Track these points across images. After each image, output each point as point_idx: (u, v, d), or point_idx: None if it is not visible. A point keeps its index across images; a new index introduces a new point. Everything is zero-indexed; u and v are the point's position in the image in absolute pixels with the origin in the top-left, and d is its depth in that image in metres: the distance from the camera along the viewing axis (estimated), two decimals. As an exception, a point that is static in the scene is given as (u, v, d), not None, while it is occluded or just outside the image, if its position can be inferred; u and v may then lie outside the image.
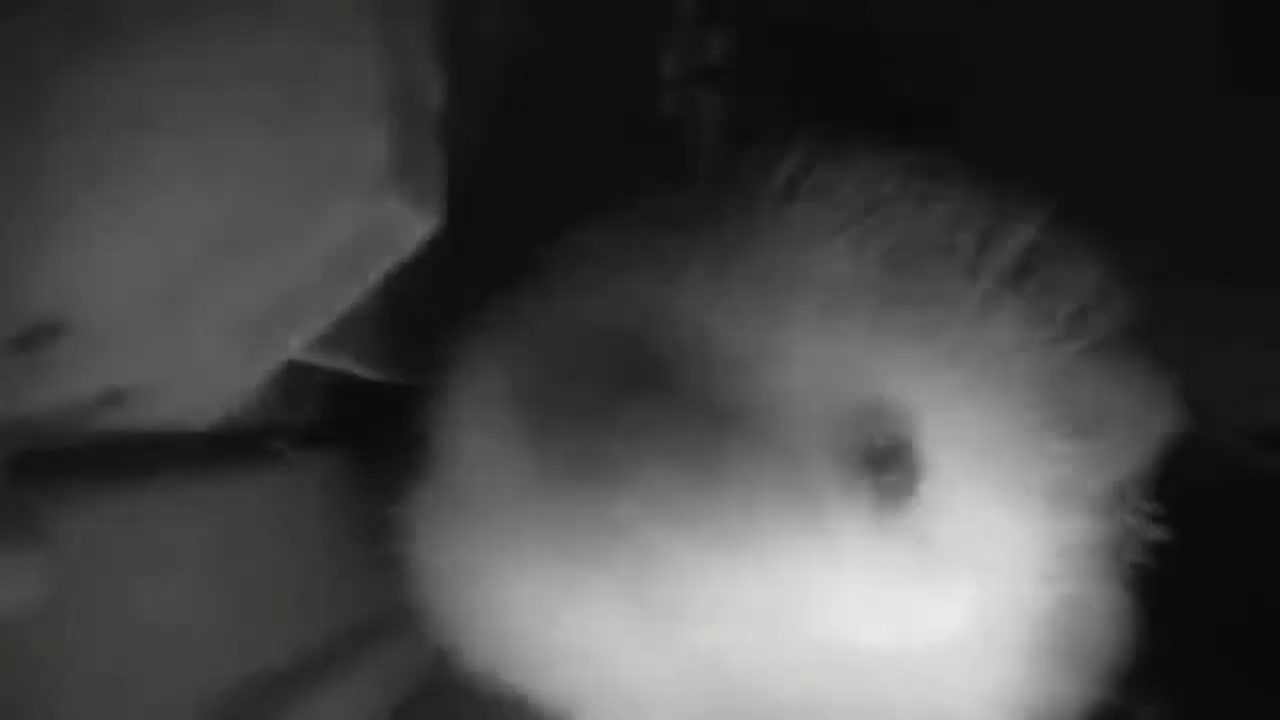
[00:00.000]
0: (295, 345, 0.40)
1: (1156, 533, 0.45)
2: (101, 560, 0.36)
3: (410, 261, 0.38)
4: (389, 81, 0.35)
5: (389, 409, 0.48)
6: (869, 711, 0.39)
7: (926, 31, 0.61)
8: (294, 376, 0.43)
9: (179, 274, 0.34)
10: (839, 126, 0.42)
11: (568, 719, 0.43)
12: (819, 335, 0.38)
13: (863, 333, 0.38)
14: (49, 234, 0.31)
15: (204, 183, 0.33)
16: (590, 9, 0.58)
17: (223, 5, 0.32)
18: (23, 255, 0.31)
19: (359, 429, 0.50)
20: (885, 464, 0.37)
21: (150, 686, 0.38)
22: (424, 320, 0.48)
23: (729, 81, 0.65)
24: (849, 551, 0.37)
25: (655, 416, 0.37)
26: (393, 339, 0.47)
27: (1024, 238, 0.41)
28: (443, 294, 0.48)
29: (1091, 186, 0.45)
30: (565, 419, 0.39)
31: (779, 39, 0.65)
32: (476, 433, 0.43)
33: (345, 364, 0.44)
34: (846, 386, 0.38)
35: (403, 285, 0.40)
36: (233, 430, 0.43)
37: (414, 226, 0.36)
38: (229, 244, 0.34)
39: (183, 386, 0.38)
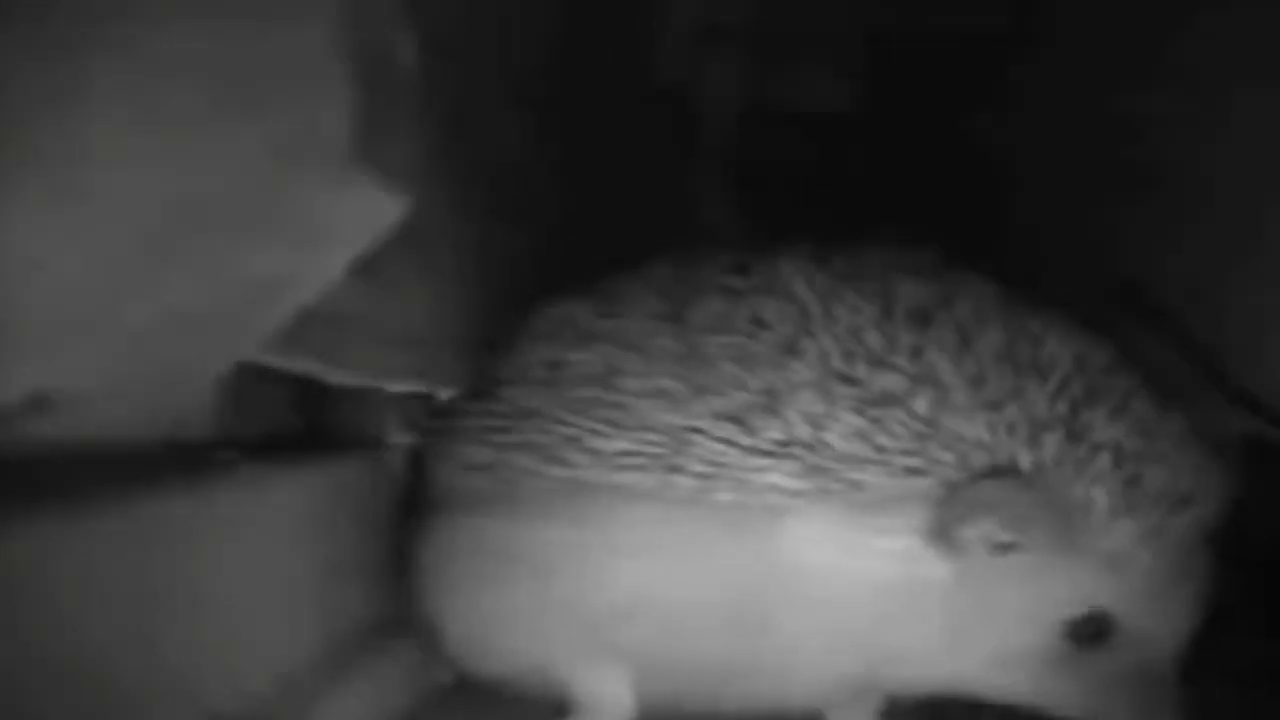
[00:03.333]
0: (250, 345, 0.39)
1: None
2: (33, 588, 0.33)
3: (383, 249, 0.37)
4: (353, 42, 0.34)
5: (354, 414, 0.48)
6: None
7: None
8: (249, 381, 0.42)
9: (115, 264, 0.32)
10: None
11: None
12: None
13: None
14: (-34, 219, 0.30)
15: (143, 161, 0.31)
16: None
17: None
18: (-65, 244, 0.30)
19: (323, 437, 0.50)
20: None
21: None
22: (401, 321, 0.48)
23: (743, 44, 0.65)
24: None
25: None
26: (362, 339, 0.46)
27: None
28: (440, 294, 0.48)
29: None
30: None
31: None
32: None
33: (307, 367, 0.43)
34: None
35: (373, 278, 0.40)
36: (181, 442, 0.41)
37: (383, 207, 0.36)
38: (173, 230, 0.33)
39: (121, 392, 0.36)
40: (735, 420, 0.43)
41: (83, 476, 0.36)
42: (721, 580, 0.44)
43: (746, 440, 0.43)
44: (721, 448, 0.43)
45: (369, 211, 0.35)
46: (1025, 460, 0.42)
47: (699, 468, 0.43)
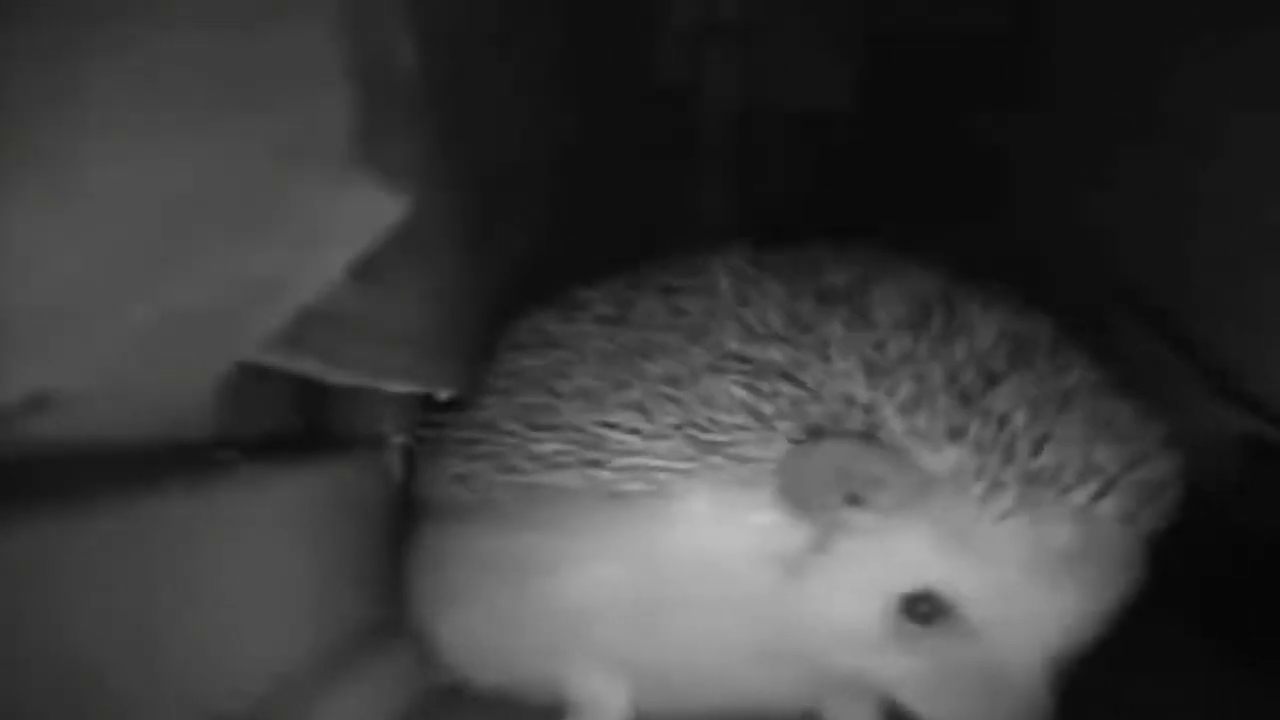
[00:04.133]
0: (250, 345, 0.39)
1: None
2: (33, 588, 0.33)
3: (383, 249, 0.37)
4: (353, 42, 0.33)
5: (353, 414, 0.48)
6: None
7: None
8: (249, 381, 0.42)
9: (115, 264, 0.32)
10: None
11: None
12: None
13: None
14: (-36, 219, 0.30)
15: (143, 161, 0.31)
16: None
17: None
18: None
19: (323, 437, 0.50)
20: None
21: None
22: (401, 321, 0.47)
23: (743, 43, 0.65)
24: None
25: None
26: (362, 339, 0.45)
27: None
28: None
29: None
30: None
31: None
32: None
33: (307, 367, 0.42)
34: None
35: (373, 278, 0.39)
36: (181, 442, 0.41)
37: (383, 207, 0.35)
38: (173, 229, 0.33)
39: (121, 392, 0.36)
40: (638, 409, 0.43)
41: (83, 476, 0.36)
42: (642, 572, 0.44)
43: (649, 428, 0.43)
44: (626, 438, 0.43)
45: (369, 211, 0.35)
46: (897, 424, 0.41)
47: (613, 461, 0.43)
